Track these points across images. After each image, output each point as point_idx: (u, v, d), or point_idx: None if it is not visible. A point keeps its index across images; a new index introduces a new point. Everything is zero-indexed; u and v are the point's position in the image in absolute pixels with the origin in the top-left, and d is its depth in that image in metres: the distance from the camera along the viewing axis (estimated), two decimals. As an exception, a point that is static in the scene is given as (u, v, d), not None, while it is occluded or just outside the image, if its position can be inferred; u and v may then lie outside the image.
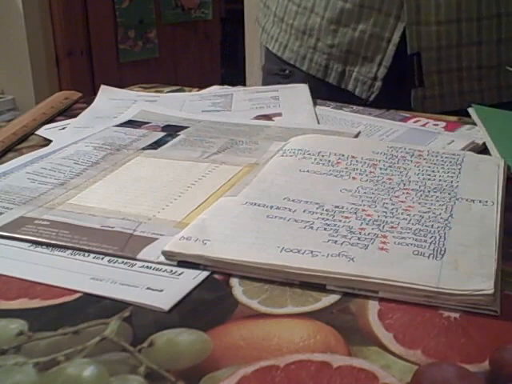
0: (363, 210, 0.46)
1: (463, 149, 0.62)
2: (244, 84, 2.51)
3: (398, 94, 0.80)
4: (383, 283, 0.37)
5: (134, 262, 0.41)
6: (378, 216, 0.45)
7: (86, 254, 0.42)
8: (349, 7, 0.83)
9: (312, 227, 0.43)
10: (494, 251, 0.40)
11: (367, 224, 0.44)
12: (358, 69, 0.85)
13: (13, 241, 0.43)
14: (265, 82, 0.99)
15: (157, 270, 0.40)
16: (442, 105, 0.81)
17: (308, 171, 0.53)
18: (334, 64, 0.87)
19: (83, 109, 0.77)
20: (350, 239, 0.41)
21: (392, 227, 0.43)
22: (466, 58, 0.81)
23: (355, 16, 0.83)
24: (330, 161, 0.55)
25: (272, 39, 0.96)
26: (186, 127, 0.69)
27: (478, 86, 0.83)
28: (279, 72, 0.94)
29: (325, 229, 0.43)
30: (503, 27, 0.81)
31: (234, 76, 2.82)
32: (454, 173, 0.53)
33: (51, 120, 0.74)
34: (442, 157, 0.56)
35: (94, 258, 0.41)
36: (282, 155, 0.57)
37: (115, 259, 0.41)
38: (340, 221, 0.44)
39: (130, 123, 0.71)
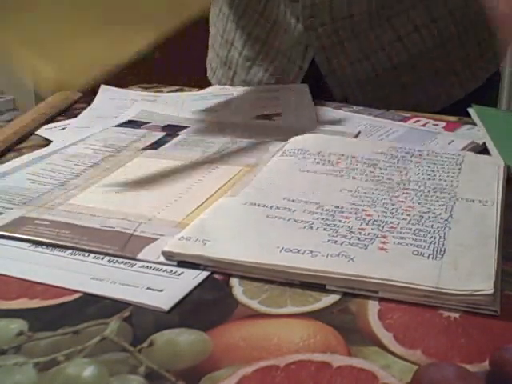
0: (363, 210, 0.46)
1: (463, 149, 0.62)
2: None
3: None
4: (383, 283, 0.37)
5: (134, 261, 0.41)
6: (378, 216, 0.45)
7: (86, 253, 0.42)
8: (266, 50, 0.86)
9: (312, 227, 0.43)
10: (494, 251, 0.40)
11: (367, 224, 0.44)
12: None
13: (13, 241, 0.43)
14: None
15: (157, 270, 0.40)
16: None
17: (308, 171, 0.53)
18: None
19: (83, 109, 0.77)
20: (350, 239, 0.41)
21: (392, 227, 0.43)
22: (378, 66, 0.85)
23: (269, 59, 0.86)
24: (329, 161, 0.55)
25: (208, 62, 1.00)
26: (186, 127, 0.69)
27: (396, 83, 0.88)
28: None
29: (324, 229, 0.43)
30: (397, 24, 0.84)
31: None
32: (454, 173, 0.53)
33: (51, 120, 0.74)
34: (442, 157, 0.56)
35: (94, 257, 0.41)
36: (282, 155, 0.57)
37: (115, 259, 0.41)
38: (340, 221, 0.44)
39: (130, 123, 0.71)
